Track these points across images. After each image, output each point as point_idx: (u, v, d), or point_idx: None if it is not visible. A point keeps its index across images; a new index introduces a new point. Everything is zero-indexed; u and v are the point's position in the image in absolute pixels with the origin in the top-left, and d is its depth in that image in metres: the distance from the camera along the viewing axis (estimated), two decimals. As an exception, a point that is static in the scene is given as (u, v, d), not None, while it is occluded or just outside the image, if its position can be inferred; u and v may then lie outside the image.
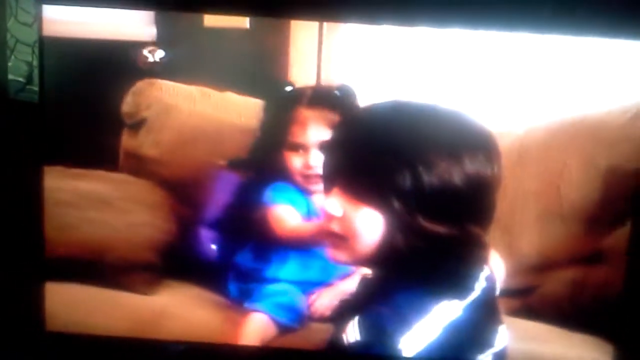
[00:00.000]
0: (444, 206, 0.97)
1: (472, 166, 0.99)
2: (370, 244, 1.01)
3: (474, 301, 1.02)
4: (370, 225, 1.00)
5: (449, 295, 1.00)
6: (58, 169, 1.53)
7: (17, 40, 1.51)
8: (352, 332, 0.97)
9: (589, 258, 1.54)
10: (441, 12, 1.33)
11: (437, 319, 0.97)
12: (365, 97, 1.47)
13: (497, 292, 1.16)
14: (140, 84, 1.63)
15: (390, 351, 0.94)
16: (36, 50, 1.48)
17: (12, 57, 1.51)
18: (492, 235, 1.57)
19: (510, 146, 1.61)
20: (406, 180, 0.95)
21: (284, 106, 1.50)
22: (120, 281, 1.55)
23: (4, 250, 1.57)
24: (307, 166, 1.48)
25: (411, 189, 0.95)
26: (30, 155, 1.47)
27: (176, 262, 1.60)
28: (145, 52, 1.51)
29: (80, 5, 1.44)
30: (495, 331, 1.09)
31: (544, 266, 1.59)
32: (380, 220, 0.99)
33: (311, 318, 1.47)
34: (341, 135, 1.05)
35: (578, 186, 1.57)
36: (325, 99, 1.48)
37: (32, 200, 1.46)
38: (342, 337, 0.99)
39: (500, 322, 1.11)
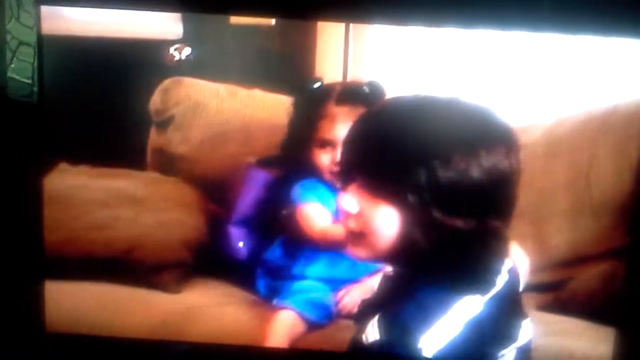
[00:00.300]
0: (462, 200, 0.95)
1: (489, 160, 0.97)
2: (388, 240, 1.00)
3: (496, 295, 1.01)
4: (387, 221, 0.99)
5: (471, 290, 0.99)
6: (84, 168, 1.55)
7: (20, 42, 1.52)
8: (371, 332, 0.97)
9: (621, 251, 1.52)
10: (467, 13, 1.33)
11: (458, 315, 0.96)
12: (394, 93, 1.46)
13: (521, 286, 1.14)
14: (168, 82, 1.65)
15: (410, 350, 0.93)
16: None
17: (15, 58, 1.53)
18: (521, 228, 1.59)
19: (539, 138, 1.61)
20: (422, 175, 0.94)
21: (312, 103, 1.50)
22: (151, 280, 1.57)
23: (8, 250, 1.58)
24: (336, 162, 1.47)
25: (427, 183, 0.94)
26: (38, 153, 1.48)
27: (206, 260, 1.62)
28: (172, 50, 1.52)
29: (77, 6, 1.46)
30: (518, 325, 1.07)
31: (574, 260, 1.58)
32: (397, 216, 0.98)
33: (339, 315, 1.48)
34: (358, 130, 1.04)
35: (608, 178, 1.55)
36: (354, 95, 1.48)
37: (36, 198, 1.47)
38: (362, 337, 0.99)
39: (524, 316, 1.10)
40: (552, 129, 1.61)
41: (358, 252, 1.05)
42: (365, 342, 0.97)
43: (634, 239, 1.36)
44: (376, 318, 0.98)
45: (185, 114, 1.68)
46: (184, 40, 1.52)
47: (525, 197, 1.57)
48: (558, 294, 1.55)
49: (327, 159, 1.48)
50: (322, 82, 1.51)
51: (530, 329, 1.10)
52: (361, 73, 1.53)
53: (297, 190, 1.54)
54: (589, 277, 1.54)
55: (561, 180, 1.59)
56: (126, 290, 1.55)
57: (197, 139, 1.70)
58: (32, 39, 1.50)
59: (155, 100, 1.66)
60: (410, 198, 0.95)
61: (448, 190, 0.94)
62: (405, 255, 1.00)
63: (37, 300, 1.48)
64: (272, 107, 1.57)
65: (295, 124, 1.54)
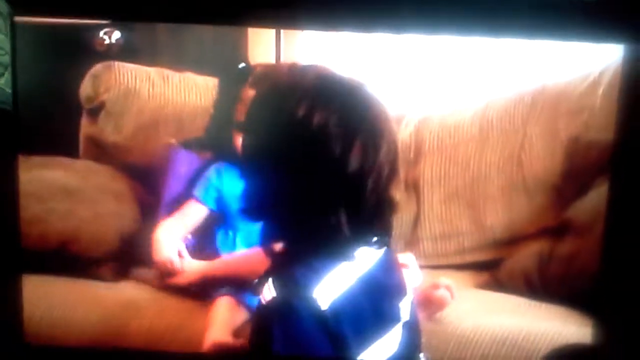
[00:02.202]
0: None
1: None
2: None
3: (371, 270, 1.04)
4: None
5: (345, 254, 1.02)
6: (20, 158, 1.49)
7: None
8: (267, 292, 0.98)
9: (555, 229, 1.54)
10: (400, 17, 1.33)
11: (349, 270, 0.99)
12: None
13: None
14: (98, 67, 1.64)
15: (305, 301, 0.95)
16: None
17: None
18: (457, 210, 1.62)
19: (471, 119, 1.63)
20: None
21: (232, 85, 1.50)
22: (90, 272, 1.54)
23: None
24: None
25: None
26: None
27: (143, 251, 1.59)
28: (101, 34, 1.51)
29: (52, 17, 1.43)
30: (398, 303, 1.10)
31: (510, 239, 1.60)
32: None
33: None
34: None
35: (540, 157, 1.59)
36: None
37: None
38: (260, 299, 1.00)
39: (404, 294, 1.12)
40: (482, 110, 1.64)
41: None
42: (263, 301, 0.97)
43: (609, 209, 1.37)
44: (270, 280, 0.99)
45: (116, 100, 1.66)
46: (114, 24, 1.51)
47: (460, 178, 1.62)
48: (495, 272, 1.57)
49: None
50: (247, 64, 1.51)
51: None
52: (295, 51, 1.53)
53: (202, 180, 1.54)
54: (524, 255, 1.56)
55: (494, 162, 1.61)
56: (64, 282, 1.52)
57: (129, 126, 1.69)
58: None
59: (86, 86, 1.65)
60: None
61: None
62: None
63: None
64: (205, 92, 1.57)
65: (216, 106, 1.55)
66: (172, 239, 1.49)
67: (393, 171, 1.00)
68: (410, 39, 1.52)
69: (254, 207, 1.04)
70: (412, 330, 1.07)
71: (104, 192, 1.60)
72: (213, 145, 1.56)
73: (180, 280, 1.47)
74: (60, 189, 1.57)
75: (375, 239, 1.03)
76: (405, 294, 1.07)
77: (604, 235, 1.33)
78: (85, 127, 1.68)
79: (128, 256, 1.58)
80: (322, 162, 0.95)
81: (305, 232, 0.99)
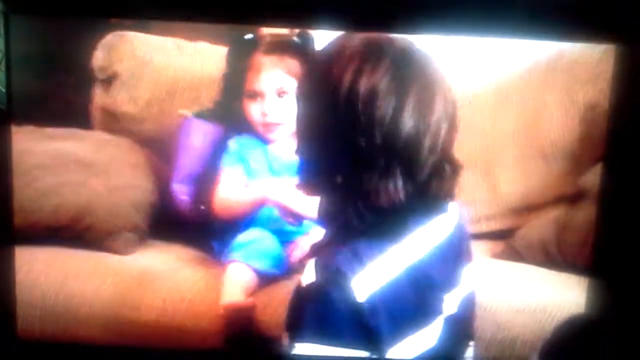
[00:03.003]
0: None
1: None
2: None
3: (439, 244, 1.01)
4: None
5: (401, 238, 0.99)
6: (29, 128, 1.51)
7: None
8: (308, 275, 0.97)
9: (572, 197, 1.53)
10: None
11: (394, 261, 0.97)
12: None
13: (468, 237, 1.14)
14: (110, 37, 1.63)
15: (343, 291, 0.93)
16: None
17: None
18: (473, 178, 1.61)
19: (487, 88, 1.62)
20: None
21: (242, 53, 1.50)
22: (104, 245, 1.53)
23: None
24: (264, 113, 1.48)
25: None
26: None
27: (159, 222, 1.59)
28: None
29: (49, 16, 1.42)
30: (460, 272, 1.07)
31: (527, 207, 1.60)
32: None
33: (293, 269, 1.45)
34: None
35: (558, 124, 1.58)
36: (281, 45, 1.48)
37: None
38: (300, 280, 0.99)
39: (469, 260, 1.10)
40: (499, 77, 1.62)
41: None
42: (304, 284, 0.97)
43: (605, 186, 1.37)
44: (312, 261, 0.98)
45: (130, 70, 1.65)
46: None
47: (476, 146, 1.61)
48: (512, 241, 1.57)
49: (256, 110, 1.48)
50: (254, 34, 1.50)
51: (475, 274, 1.10)
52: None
53: (226, 150, 1.53)
54: (541, 223, 1.56)
55: (511, 129, 1.60)
56: (79, 254, 1.51)
57: (144, 97, 1.67)
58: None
59: (98, 57, 1.63)
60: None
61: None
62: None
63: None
64: (220, 61, 1.55)
65: (227, 75, 1.54)
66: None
67: (452, 129, 0.98)
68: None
69: (310, 180, 1.03)
70: (460, 323, 1.05)
71: (118, 163, 1.59)
72: (225, 115, 1.55)
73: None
74: (74, 161, 1.55)
75: (436, 207, 1.01)
76: (457, 285, 1.05)
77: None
78: (98, 98, 1.67)
79: (143, 228, 1.57)
80: (375, 123, 0.93)
81: (361, 202, 0.96)
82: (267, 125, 1.49)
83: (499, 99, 1.61)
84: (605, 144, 1.36)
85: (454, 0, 1.25)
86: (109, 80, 1.67)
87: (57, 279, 1.45)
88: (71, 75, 1.53)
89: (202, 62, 1.65)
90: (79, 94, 1.58)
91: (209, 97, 1.58)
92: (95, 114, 1.67)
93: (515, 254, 1.55)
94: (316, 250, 1.05)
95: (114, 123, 1.66)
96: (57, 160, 1.54)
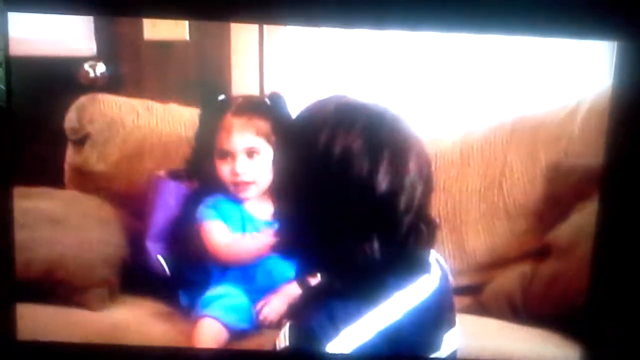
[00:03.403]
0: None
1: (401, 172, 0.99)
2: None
3: (418, 306, 1.02)
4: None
5: (383, 299, 1.00)
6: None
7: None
8: (282, 339, 0.98)
9: (537, 253, 1.56)
10: (379, 14, 1.33)
11: (370, 324, 0.98)
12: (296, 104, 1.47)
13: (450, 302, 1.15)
14: (83, 99, 1.65)
15: (317, 356, 0.95)
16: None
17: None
18: (440, 234, 1.63)
19: (452, 147, 1.65)
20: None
21: (214, 114, 1.52)
22: (75, 300, 1.53)
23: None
24: (235, 173, 1.50)
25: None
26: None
27: (129, 278, 1.60)
28: (86, 66, 1.52)
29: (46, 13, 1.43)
30: (441, 336, 1.08)
31: (492, 263, 1.62)
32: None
33: (261, 325, 1.47)
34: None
35: (520, 183, 1.61)
36: (252, 106, 1.51)
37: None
38: (275, 343, 1.00)
39: (450, 325, 1.10)
40: (463, 138, 1.65)
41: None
42: (278, 347, 0.98)
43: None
44: (287, 325, 0.99)
45: (101, 131, 1.68)
46: (98, 57, 1.52)
47: (442, 204, 1.63)
48: (478, 296, 1.59)
49: (227, 170, 1.50)
50: (226, 96, 1.54)
51: (456, 339, 1.11)
52: (277, 80, 1.54)
53: (201, 209, 1.54)
54: (507, 278, 1.58)
55: (475, 188, 1.63)
56: (50, 309, 1.51)
57: (114, 156, 1.70)
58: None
59: (71, 118, 1.66)
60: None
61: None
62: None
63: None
64: (189, 122, 1.58)
65: (199, 136, 1.57)
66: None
67: (427, 189, 0.99)
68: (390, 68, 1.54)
69: (286, 241, 1.04)
70: None
71: (89, 219, 1.61)
72: (197, 175, 1.58)
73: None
74: (46, 218, 1.57)
75: (413, 268, 1.02)
76: (436, 349, 1.06)
77: (591, 258, 1.34)
78: (71, 157, 1.69)
79: (114, 283, 1.58)
80: (349, 186, 0.94)
81: (338, 262, 0.98)
82: (238, 185, 1.51)
83: (464, 158, 1.64)
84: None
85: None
86: (81, 141, 1.69)
87: (26, 332, 1.45)
88: (45, 136, 1.54)
89: (171, 122, 1.67)
90: (52, 154, 1.59)
91: (178, 156, 1.61)
92: (68, 173, 1.69)
93: (482, 309, 1.56)
94: (292, 312, 1.05)
95: (86, 181, 1.68)
96: (30, 217, 1.55)
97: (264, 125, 1.49)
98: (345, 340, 0.94)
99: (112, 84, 1.56)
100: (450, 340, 1.08)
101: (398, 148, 0.96)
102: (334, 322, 0.95)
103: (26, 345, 1.43)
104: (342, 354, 0.94)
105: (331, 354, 0.93)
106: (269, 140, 1.49)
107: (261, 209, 1.53)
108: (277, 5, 1.26)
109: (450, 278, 1.12)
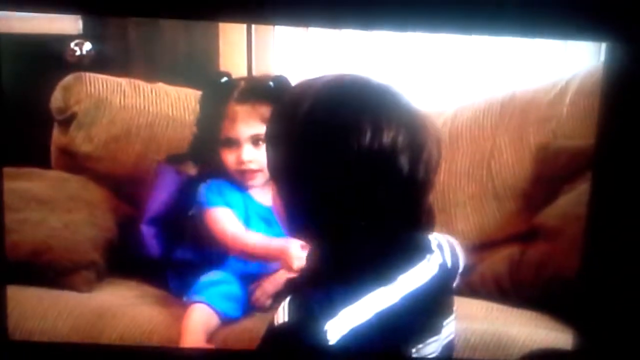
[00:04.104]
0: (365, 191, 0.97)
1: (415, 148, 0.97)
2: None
3: (417, 289, 1.02)
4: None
5: (379, 284, 1.00)
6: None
7: None
8: (281, 314, 0.98)
9: (525, 235, 1.56)
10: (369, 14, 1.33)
11: (368, 305, 0.97)
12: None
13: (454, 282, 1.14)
14: (69, 79, 1.65)
15: (314, 333, 0.93)
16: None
17: None
18: (429, 216, 1.63)
19: (441, 127, 1.64)
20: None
21: (216, 101, 1.50)
22: (62, 282, 1.52)
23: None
24: (240, 161, 1.47)
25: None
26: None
27: (118, 260, 1.60)
28: (72, 45, 1.51)
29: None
30: (440, 322, 1.07)
31: (481, 244, 1.63)
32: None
33: (254, 308, 1.46)
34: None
35: (509, 165, 1.61)
36: (256, 91, 1.48)
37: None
38: (273, 318, 1.00)
39: (449, 312, 1.10)
40: (452, 119, 1.66)
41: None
42: (276, 323, 0.97)
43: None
44: (287, 300, 0.98)
45: (87, 111, 1.67)
46: (84, 36, 1.51)
47: (431, 185, 1.63)
48: (467, 278, 1.58)
49: (232, 158, 1.48)
50: (229, 77, 1.51)
51: (454, 326, 1.11)
52: (266, 62, 1.54)
53: (202, 192, 1.52)
54: (495, 260, 1.58)
55: (464, 169, 1.63)
56: (36, 291, 1.50)
57: (101, 137, 1.69)
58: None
59: (57, 98, 1.65)
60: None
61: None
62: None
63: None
64: (176, 102, 1.57)
65: (201, 123, 1.54)
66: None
67: (437, 167, 1.00)
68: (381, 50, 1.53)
69: (296, 225, 1.03)
70: None
71: (76, 201, 1.60)
72: (199, 163, 1.56)
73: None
74: (32, 199, 1.56)
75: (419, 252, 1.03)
76: (433, 335, 1.06)
77: (582, 239, 1.34)
78: (57, 138, 1.69)
79: (101, 265, 1.57)
80: (367, 166, 0.92)
81: (343, 244, 0.98)
82: (244, 173, 1.49)
83: (453, 139, 1.64)
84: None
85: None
86: (68, 121, 1.69)
87: (13, 315, 1.44)
88: (31, 116, 1.53)
89: (158, 102, 1.67)
90: (38, 134, 1.58)
91: (165, 136, 1.60)
92: (54, 154, 1.68)
93: (470, 290, 1.55)
94: (291, 288, 1.05)
95: (72, 162, 1.67)
96: (16, 198, 1.54)
97: (269, 111, 1.45)
98: (344, 320, 0.94)
99: (98, 63, 1.55)
100: (448, 326, 1.09)
101: (414, 124, 0.95)
102: (333, 304, 0.95)
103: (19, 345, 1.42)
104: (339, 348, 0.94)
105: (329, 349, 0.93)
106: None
107: (265, 196, 1.50)
108: (266, 4, 1.26)
109: (459, 261, 1.12)
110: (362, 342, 0.95)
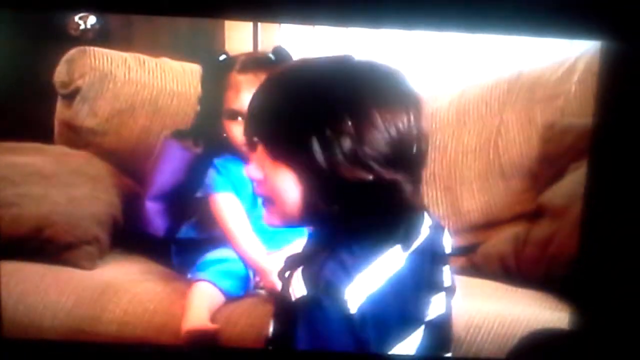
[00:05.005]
0: (363, 154, 0.97)
1: (392, 117, 0.98)
2: (294, 203, 1.01)
3: (417, 249, 1.01)
4: (289, 184, 0.99)
5: (388, 244, 1.00)
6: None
7: None
8: (296, 285, 0.97)
9: (531, 214, 1.56)
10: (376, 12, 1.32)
11: (380, 270, 0.97)
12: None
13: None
14: (73, 52, 1.63)
15: (337, 302, 0.93)
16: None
17: None
18: (435, 194, 1.63)
19: (448, 106, 1.64)
20: (315, 143, 0.95)
21: (218, 74, 1.48)
22: (64, 258, 1.51)
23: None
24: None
25: (332, 137, 0.95)
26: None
27: (121, 236, 1.59)
28: (77, 18, 1.49)
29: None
30: (441, 275, 1.07)
31: (487, 223, 1.62)
32: (298, 178, 0.99)
33: (257, 286, 1.46)
34: (256, 94, 1.04)
35: (516, 143, 1.61)
36: (257, 62, 1.46)
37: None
38: (288, 292, 0.99)
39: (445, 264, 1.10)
40: (459, 96, 1.65)
41: (271, 219, 1.05)
42: (293, 297, 0.96)
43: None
44: (299, 273, 0.98)
45: (91, 85, 1.66)
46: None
47: (437, 163, 1.63)
48: (472, 257, 1.58)
49: (238, 130, 1.44)
50: (227, 54, 1.50)
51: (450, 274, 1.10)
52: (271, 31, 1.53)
53: (211, 174, 1.50)
54: (500, 239, 1.57)
55: (471, 147, 1.63)
56: (38, 267, 1.49)
57: (105, 111, 1.68)
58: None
59: (60, 72, 1.64)
60: (312, 156, 0.95)
61: (351, 145, 0.95)
62: (316, 216, 1.01)
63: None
64: (181, 76, 1.56)
65: (204, 97, 1.52)
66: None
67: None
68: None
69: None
70: (439, 330, 1.05)
71: (80, 176, 1.59)
72: (205, 136, 1.54)
73: None
74: (34, 173, 1.55)
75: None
76: (438, 287, 1.05)
77: (581, 220, 1.34)
78: (60, 112, 1.68)
79: (104, 241, 1.56)
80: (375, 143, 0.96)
81: (347, 214, 0.99)
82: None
83: (460, 117, 1.63)
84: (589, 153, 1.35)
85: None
86: (71, 95, 1.68)
87: (15, 291, 1.43)
88: (34, 90, 1.52)
89: (163, 76, 1.65)
90: (41, 108, 1.57)
91: (169, 111, 1.58)
92: (57, 128, 1.67)
93: (475, 269, 1.56)
94: (297, 261, 1.04)
95: (75, 137, 1.66)
96: (18, 172, 1.54)
97: None
98: (359, 286, 0.94)
99: (103, 37, 1.53)
100: (447, 276, 1.08)
101: (414, 102, 0.99)
102: (346, 269, 0.94)
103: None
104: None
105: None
106: None
107: None
108: (273, 2, 1.25)
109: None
110: (379, 309, 0.94)
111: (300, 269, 0.97)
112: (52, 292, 1.44)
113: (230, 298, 1.43)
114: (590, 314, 1.34)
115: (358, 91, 0.97)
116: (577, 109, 1.53)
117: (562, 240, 1.44)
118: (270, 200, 1.03)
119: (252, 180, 1.05)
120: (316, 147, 0.95)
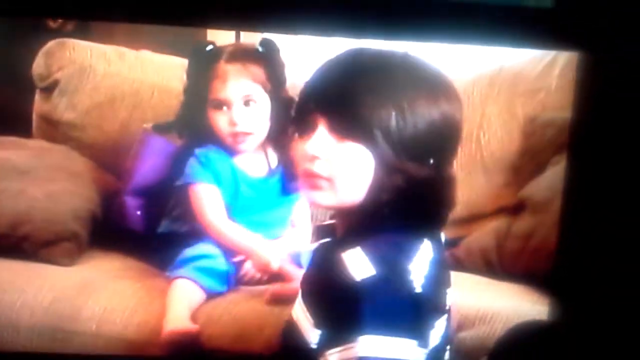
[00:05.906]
0: (423, 146, 0.97)
1: (447, 107, 0.98)
2: (358, 184, 1.01)
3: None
4: (358, 162, 0.99)
5: (427, 233, 1.00)
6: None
7: None
8: (361, 268, 0.93)
9: (512, 208, 1.56)
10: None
11: (424, 253, 0.97)
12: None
13: None
14: (52, 44, 1.62)
15: (405, 282, 0.92)
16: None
17: None
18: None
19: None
20: (392, 119, 0.96)
21: (204, 64, 1.46)
22: (42, 254, 1.49)
23: None
24: (232, 123, 1.44)
25: (396, 128, 0.95)
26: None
27: (100, 232, 1.57)
28: (54, 10, 1.47)
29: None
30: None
31: (469, 217, 1.62)
32: (368, 156, 0.99)
33: (241, 282, 1.44)
34: (325, 74, 1.04)
35: (498, 136, 1.61)
36: (246, 53, 1.46)
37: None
38: (347, 273, 0.98)
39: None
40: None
41: (326, 199, 1.04)
42: (356, 278, 0.93)
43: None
44: (357, 252, 0.95)
45: (70, 78, 1.64)
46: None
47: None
48: (454, 251, 1.58)
49: (224, 120, 1.44)
50: (214, 45, 1.48)
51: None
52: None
53: (192, 163, 1.48)
54: (482, 233, 1.58)
55: (453, 140, 1.62)
56: (15, 264, 1.47)
57: (84, 104, 1.66)
58: None
59: (39, 64, 1.62)
60: (380, 141, 0.95)
61: (413, 135, 0.95)
62: (381, 193, 1.01)
63: None
64: (162, 69, 1.54)
65: (189, 87, 1.50)
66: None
67: None
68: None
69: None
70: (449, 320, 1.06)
71: (58, 171, 1.57)
72: (187, 129, 1.52)
73: None
74: (12, 169, 1.53)
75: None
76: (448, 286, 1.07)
77: (561, 214, 1.35)
78: (39, 105, 1.66)
79: (83, 237, 1.54)
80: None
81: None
82: (236, 135, 1.45)
83: (441, 110, 1.63)
84: (568, 150, 1.36)
85: (418, 8, 1.25)
86: (50, 88, 1.65)
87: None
88: (11, 83, 1.50)
89: (142, 69, 1.63)
90: (19, 101, 1.55)
91: (149, 104, 1.57)
92: (35, 122, 1.65)
93: (458, 263, 1.55)
94: (342, 243, 1.03)
95: (54, 131, 1.64)
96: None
97: (259, 71, 1.44)
98: (417, 265, 0.94)
99: (82, 29, 1.52)
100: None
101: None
102: (404, 251, 0.95)
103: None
104: None
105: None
106: (265, 88, 1.44)
107: (254, 163, 1.49)
108: (255, 11, 1.24)
109: None
110: (431, 291, 0.94)
111: (358, 249, 0.95)
112: (30, 290, 1.41)
113: (211, 295, 1.41)
114: (571, 307, 1.35)
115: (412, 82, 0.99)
116: (558, 103, 1.53)
117: (543, 234, 1.44)
118: (330, 180, 1.02)
119: (310, 159, 1.04)
120: (382, 141, 0.95)
